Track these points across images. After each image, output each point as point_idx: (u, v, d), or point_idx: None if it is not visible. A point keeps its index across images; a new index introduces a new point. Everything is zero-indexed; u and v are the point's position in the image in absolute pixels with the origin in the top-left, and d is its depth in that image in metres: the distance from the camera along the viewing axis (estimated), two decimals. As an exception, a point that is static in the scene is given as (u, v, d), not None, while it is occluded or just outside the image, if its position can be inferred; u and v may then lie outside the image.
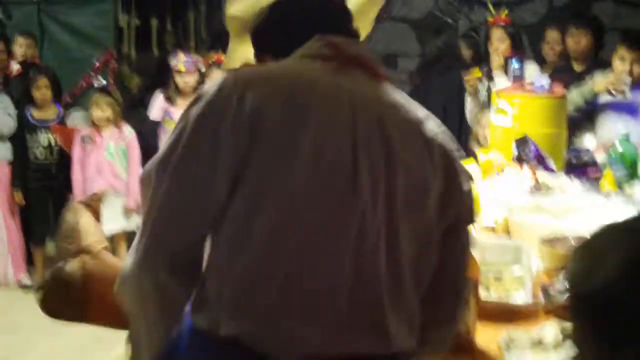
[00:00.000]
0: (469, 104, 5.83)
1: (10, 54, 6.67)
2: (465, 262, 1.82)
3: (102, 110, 6.00)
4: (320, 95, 1.62)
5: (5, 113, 6.04)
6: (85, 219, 2.10)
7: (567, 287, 1.35)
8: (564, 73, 5.29)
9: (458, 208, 1.72)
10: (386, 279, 1.60)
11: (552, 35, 6.13)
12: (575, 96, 4.56)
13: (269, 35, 1.83)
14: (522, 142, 3.65)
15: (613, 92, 4.51)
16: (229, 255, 1.57)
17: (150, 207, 1.61)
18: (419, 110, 1.75)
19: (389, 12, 8.24)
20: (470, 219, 1.79)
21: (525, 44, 5.96)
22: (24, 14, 7.44)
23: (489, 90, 5.64)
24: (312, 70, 1.66)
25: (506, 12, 5.99)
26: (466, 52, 6.72)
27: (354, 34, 1.81)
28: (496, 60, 5.63)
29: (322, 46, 1.70)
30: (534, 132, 3.74)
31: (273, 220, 1.55)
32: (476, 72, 5.70)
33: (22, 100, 6.23)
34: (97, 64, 6.97)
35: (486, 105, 5.61)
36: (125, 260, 1.67)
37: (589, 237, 1.35)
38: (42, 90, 6.12)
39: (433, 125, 1.72)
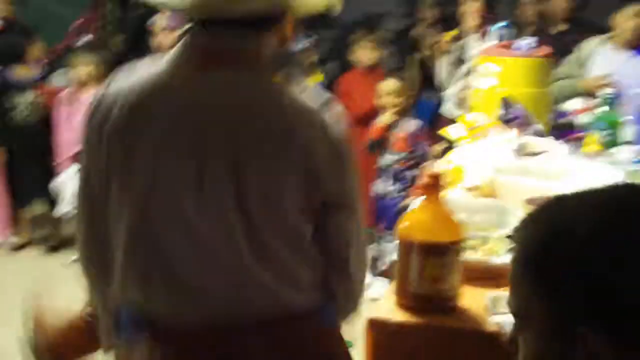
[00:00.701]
0: (443, 65, 5.84)
1: None
2: (345, 242, 1.90)
3: (84, 66, 5.92)
4: (166, 102, 1.76)
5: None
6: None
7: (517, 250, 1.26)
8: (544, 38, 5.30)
9: (325, 195, 1.83)
10: (248, 254, 1.76)
11: None
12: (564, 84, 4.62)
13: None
14: (507, 103, 3.66)
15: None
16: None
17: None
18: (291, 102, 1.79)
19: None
20: (344, 203, 1.87)
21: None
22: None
23: (462, 50, 5.67)
24: (168, 74, 1.78)
25: None
26: (429, 13, 6.72)
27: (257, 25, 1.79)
28: (470, 21, 5.63)
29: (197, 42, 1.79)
30: (519, 93, 3.74)
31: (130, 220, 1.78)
32: (454, 31, 5.71)
33: (3, 59, 6.17)
34: (79, 23, 6.92)
35: (457, 64, 5.65)
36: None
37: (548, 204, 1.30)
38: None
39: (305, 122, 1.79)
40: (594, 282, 1.08)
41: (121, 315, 1.86)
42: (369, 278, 5.31)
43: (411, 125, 5.09)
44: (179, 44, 1.80)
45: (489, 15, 5.65)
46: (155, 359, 1.80)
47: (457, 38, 5.70)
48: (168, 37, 5.59)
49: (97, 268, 1.91)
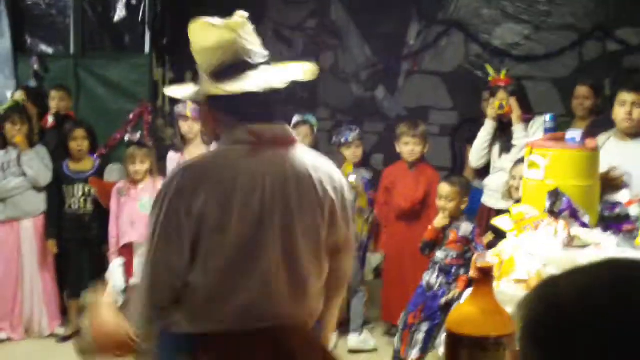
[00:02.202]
0: (483, 130, 5.87)
1: (46, 107, 6.79)
2: (342, 275, 2.71)
3: (139, 163, 6.03)
4: (241, 174, 2.37)
5: (43, 164, 6.13)
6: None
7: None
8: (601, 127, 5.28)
9: (336, 240, 2.56)
10: (286, 282, 2.42)
11: (581, 90, 6.17)
12: None
13: (222, 105, 2.47)
14: (554, 195, 3.65)
15: None
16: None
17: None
18: (320, 166, 2.54)
19: (419, 65, 8.32)
20: (346, 248, 2.65)
21: (529, 100, 5.97)
22: (61, 67, 7.59)
23: (504, 140, 5.71)
24: (234, 154, 2.41)
25: (504, 72, 6.01)
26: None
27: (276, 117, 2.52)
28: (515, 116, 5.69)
29: (244, 133, 2.43)
30: (566, 185, 3.73)
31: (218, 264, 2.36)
32: (501, 99, 5.74)
33: (57, 152, 6.33)
34: (132, 117, 7.08)
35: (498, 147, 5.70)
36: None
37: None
38: (78, 141, 6.21)
39: (328, 180, 2.52)
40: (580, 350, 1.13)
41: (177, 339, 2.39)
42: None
43: (463, 228, 5.11)
44: (233, 136, 2.46)
45: (528, 115, 5.72)
46: None
47: (502, 107, 5.73)
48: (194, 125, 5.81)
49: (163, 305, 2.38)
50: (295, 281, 2.43)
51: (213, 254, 2.35)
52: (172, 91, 2.70)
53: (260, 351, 2.38)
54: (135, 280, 5.84)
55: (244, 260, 2.36)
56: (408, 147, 6.02)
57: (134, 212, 5.99)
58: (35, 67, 7.63)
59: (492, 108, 5.82)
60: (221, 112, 2.47)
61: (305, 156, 2.51)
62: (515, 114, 5.69)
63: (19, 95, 6.74)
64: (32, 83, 7.57)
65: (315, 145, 6.43)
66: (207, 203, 2.31)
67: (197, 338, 2.38)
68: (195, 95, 2.53)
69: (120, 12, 7.93)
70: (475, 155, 5.99)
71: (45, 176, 6.14)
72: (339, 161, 6.12)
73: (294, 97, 8.67)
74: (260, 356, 2.37)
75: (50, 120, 6.79)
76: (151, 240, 2.39)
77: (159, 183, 6.12)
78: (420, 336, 5.05)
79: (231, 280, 2.36)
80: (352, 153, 6.30)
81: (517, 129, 5.66)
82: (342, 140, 6.37)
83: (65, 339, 6.07)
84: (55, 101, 6.95)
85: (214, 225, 2.32)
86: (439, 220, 5.19)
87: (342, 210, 2.53)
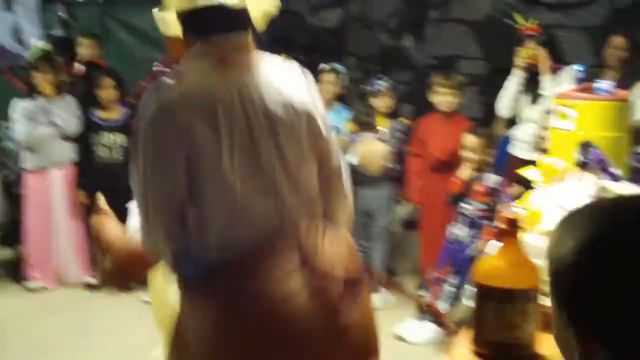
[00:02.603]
0: (511, 79, 5.82)
1: (74, 55, 6.79)
2: (333, 177, 2.59)
3: None
4: (223, 100, 2.30)
5: (72, 114, 6.15)
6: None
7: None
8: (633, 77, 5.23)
9: (318, 149, 2.51)
10: (281, 178, 2.38)
11: (617, 40, 6.05)
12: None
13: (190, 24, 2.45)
14: (584, 146, 3.62)
15: None
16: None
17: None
18: (282, 72, 2.49)
19: (447, 14, 8.22)
20: (334, 147, 2.60)
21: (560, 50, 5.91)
22: (88, 15, 7.59)
23: (533, 90, 5.67)
24: (209, 76, 2.34)
25: (536, 21, 5.92)
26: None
27: (241, 27, 2.45)
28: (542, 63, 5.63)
29: (214, 45, 2.39)
30: (596, 136, 3.70)
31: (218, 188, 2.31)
32: (532, 49, 5.69)
33: (87, 101, 6.35)
34: (159, 65, 7.07)
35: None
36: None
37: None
38: (107, 90, 6.22)
39: (294, 85, 2.49)
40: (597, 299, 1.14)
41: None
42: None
43: (490, 180, 5.09)
44: (197, 49, 2.41)
45: (557, 66, 5.65)
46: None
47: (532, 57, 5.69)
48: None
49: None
50: (294, 185, 2.42)
51: (212, 176, 2.30)
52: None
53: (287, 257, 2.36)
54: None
55: (247, 178, 2.33)
56: (444, 97, 5.96)
57: None
58: (62, 15, 7.63)
59: (520, 57, 5.76)
60: (185, 31, 2.47)
61: (267, 62, 2.49)
62: (544, 64, 5.63)
63: (45, 45, 6.75)
64: (59, 31, 7.57)
65: (341, 94, 6.43)
66: (196, 125, 2.26)
67: (219, 260, 2.34)
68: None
69: (148, -41, 7.90)
70: (504, 105, 5.94)
71: (75, 125, 6.17)
72: (369, 111, 6.09)
73: (320, 45, 8.63)
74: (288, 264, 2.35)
75: (78, 67, 6.80)
76: (144, 171, 2.34)
77: None
78: (449, 288, 5.06)
79: (242, 198, 2.32)
80: (383, 103, 6.26)
81: (546, 79, 5.61)
82: (372, 89, 6.34)
83: (96, 287, 6.16)
84: (85, 48, 6.95)
85: (207, 145, 2.28)
86: (464, 172, 5.17)
87: (324, 117, 2.58)
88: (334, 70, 6.44)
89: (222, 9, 2.41)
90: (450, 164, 5.84)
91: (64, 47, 6.85)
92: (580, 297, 1.17)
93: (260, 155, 2.34)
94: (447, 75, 6.08)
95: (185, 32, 2.47)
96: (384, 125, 6.11)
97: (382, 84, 6.32)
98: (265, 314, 2.29)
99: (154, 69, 6.70)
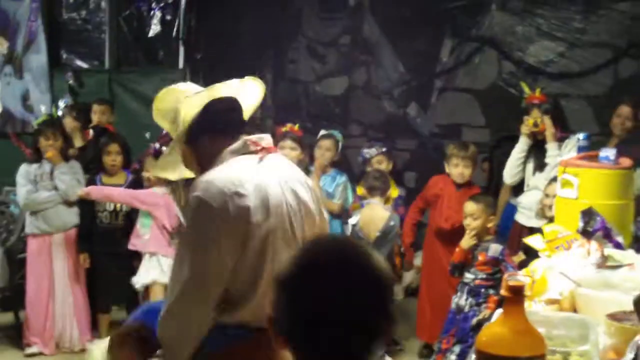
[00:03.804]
0: (517, 148, 5.83)
1: (89, 121, 6.87)
2: None
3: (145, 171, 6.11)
4: (269, 186, 2.61)
5: (74, 179, 6.17)
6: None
7: None
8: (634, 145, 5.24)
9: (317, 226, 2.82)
10: None
11: (624, 110, 6.06)
12: None
13: (203, 130, 2.74)
14: (588, 215, 3.61)
15: None
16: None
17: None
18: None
19: (452, 83, 8.29)
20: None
21: (565, 118, 5.92)
22: (96, 82, 7.67)
23: (539, 158, 5.68)
24: (249, 166, 2.63)
25: (539, 90, 5.96)
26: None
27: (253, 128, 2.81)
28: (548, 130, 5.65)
29: (246, 145, 2.70)
30: (600, 204, 3.70)
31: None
32: (536, 117, 5.70)
33: (93, 165, 6.38)
34: (165, 132, 7.10)
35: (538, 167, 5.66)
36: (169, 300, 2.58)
37: None
38: (112, 155, 6.25)
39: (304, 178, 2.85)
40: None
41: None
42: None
43: (492, 248, 5.05)
44: (235, 148, 2.70)
45: (563, 134, 5.67)
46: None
47: (536, 125, 5.70)
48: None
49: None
50: None
51: (257, 257, 2.57)
52: (162, 172, 3.16)
53: None
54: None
55: (283, 253, 2.58)
56: (458, 169, 5.93)
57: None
58: (71, 81, 7.71)
59: (526, 126, 5.78)
60: (205, 138, 2.74)
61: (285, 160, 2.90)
62: (549, 132, 5.65)
63: (64, 111, 6.83)
64: (67, 98, 7.64)
65: (338, 160, 6.49)
66: (255, 215, 2.55)
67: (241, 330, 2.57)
68: (172, 148, 2.86)
69: (154, 28, 8.01)
70: (509, 172, 5.95)
71: (76, 191, 6.18)
72: (378, 176, 6.09)
73: (326, 113, 8.70)
74: None
75: (91, 133, 6.86)
76: (198, 244, 2.55)
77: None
78: (453, 358, 5.01)
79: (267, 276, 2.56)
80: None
81: (551, 147, 5.62)
82: (360, 159, 6.42)
83: (95, 353, 6.08)
84: (97, 115, 7.02)
85: (258, 231, 2.55)
86: (466, 241, 5.15)
87: (316, 203, 2.83)
88: (331, 136, 6.48)
89: (239, 109, 2.82)
90: (454, 233, 5.82)
91: (80, 113, 6.92)
92: None
93: (295, 235, 2.65)
94: (462, 145, 6.05)
95: (208, 137, 2.73)
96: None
97: (369, 151, 6.36)
98: None
99: (154, 144, 6.77)
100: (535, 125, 5.70)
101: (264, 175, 2.63)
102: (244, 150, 2.69)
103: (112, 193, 6.00)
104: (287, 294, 1.61)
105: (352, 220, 5.59)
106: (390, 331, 1.59)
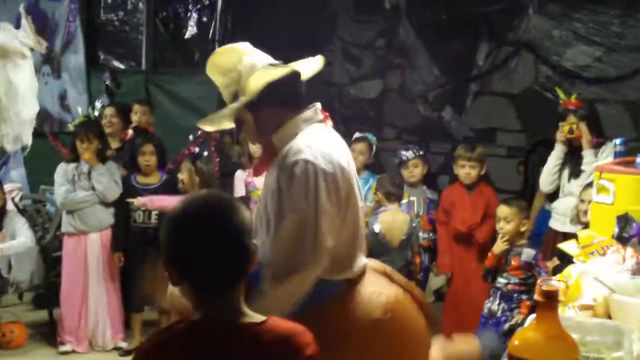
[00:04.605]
0: (553, 155, 5.78)
1: (129, 122, 6.92)
2: None
3: (188, 176, 6.14)
4: (348, 155, 2.96)
5: (111, 180, 6.22)
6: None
7: None
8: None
9: None
10: None
11: None
12: None
13: (270, 101, 2.84)
14: (623, 220, 3.58)
15: None
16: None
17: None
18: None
19: (487, 86, 8.26)
20: None
21: (601, 124, 5.85)
22: (132, 83, 7.72)
23: (574, 164, 5.62)
24: (330, 136, 2.91)
25: (575, 95, 5.90)
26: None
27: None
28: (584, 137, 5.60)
29: (317, 113, 2.95)
30: (636, 210, 3.66)
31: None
32: (572, 124, 5.65)
33: (130, 165, 6.43)
34: (200, 134, 7.15)
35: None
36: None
37: None
38: (146, 156, 6.30)
39: None
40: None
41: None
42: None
43: (525, 253, 5.02)
44: (309, 116, 2.91)
45: (599, 140, 5.61)
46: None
47: (572, 132, 5.65)
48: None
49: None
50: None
51: (349, 219, 2.82)
52: (207, 124, 3.17)
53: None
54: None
55: (357, 221, 2.91)
56: (464, 169, 6.01)
57: None
58: (107, 82, 7.78)
59: (561, 132, 5.74)
60: (268, 108, 2.86)
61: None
62: (585, 138, 5.60)
63: (106, 111, 6.90)
64: (104, 98, 7.71)
65: (372, 163, 6.49)
66: (349, 172, 2.84)
67: (342, 283, 2.83)
68: (235, 111, 2.91)
69: (191, 29, 8.05)
70: (545, 180, 5.91)
71: (113, 192, 6.23)
72: (398, 182, 6.08)
73: (360, 116, 8.70)
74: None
75: (130, 133, 6.91)
76: (317, 214, 2.68)
77: None
78: None
79: (359, 236, 2.92)
80: (409, 173, 6.29)
81: (587, 154, 5.57)
82: (397, 160, 6.39)
83: (127, 352, 6.13)
84: (138, 115, 7.07)
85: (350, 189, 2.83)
86: (498, 246, 5.13)
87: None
88: (365, 140, 6.49)
89: (301, 82, 2.97)
90: (470, 236, 5.84)
91: (122, 113, 6.97)
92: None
93: (357, 199, 2.88)
94: (469, 146, 6.09)
95: (279, 105, 2.86)
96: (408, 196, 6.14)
97: (407, 154, 6.34)
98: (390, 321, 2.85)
99: (190, 142, 6.80)
100: (571, 131, 5.65)
101: (341, 144, 2.93)
102: (315, 119, 2.91)
103: (166, 204, 6.01)
104: (171, 234, 2.01)
105: (375, 228, 5.55)
106: (248, 264, 2.02)
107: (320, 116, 2.94)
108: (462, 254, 5.95)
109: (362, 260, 2.95)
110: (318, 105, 2.96)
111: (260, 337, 1.96)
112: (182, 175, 6.10)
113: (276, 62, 2.94)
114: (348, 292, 2.84)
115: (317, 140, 2.78)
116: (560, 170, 5.82)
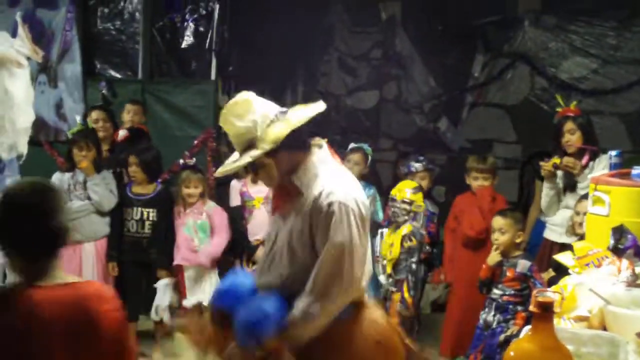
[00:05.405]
0: (545, 188, 5.77)
1: (116, 125, 6.91)
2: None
3: (193, 187, 6.13)
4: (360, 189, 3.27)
5: (107, 189, 6.21)
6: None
7: None
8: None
9: None
10: None
11: None
12: None
13: (289, 146, 3.13)
14: (619, 232, 3.58)
15: None
16: None
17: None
18: None
19: (484, 98, 8.27)
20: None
21: (596, 134, 5.83)
22: (129, 92, 7.71)
23: (569, 177, 5.60)
24: (345, 174, 3.27)
25: (575, 103, 5.90)
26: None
27: None
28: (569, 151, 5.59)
29: (327, 152, 3.26)
30: (631, 222, 3.66)
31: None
32: (555, 159, 5.63)
33: (121, 167, 6.45)
34: (196, 143, 7.15)
35: (561, 192, 5.60)
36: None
37: None
38: (132, 167, 6.28)
39: None
40: None
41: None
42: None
43: (521, 265, 5.02)
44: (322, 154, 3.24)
45: (590, 148, 5.59)
46: None
47: (556, 167, 5.63)
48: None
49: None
50: None
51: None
52: (227, 168, 3.28)
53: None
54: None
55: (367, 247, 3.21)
56: (477, 181, 6.04)
57: (178, 236, 6.14)
58: (104, 91, 7.77)
59: (545, 170, 5.70)
60: (285, 153, 3.14)
61: None
62: (577, 169, 5.56)
63: (96, 114, 6.88)
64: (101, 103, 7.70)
65: (366, 173, 6.50)
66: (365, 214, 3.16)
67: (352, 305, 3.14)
68: (257, 158, 3.13)
69: (187, 39, 8.05)
70: (546, 209, 5.85)
71: (109, 201, 6.22)
72: None
73: (356, 126, 8.71)
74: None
75: (122, 133, 6.90)
76: (352, 248, 3.03)
77: (206, 204, 6.19)
78: None
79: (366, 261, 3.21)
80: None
81: (581, 179, 5.54)
82: (406, 170, 6.38)
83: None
84: (130, 114, 7.06)
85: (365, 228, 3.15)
86: (492, 258, 5.13)
87: None
88: (361, 150, 6.49)
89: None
90: (480, 240, 5.85)
91: (109, 115, 6.97)
92: None
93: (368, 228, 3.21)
94: (481, 158, 6.10)
95: (297, 149, 3.18)
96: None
97: (416, 165, 6.34)
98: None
99: (181, 161, 6.80)
100: (555, 167, 5.63)
101: (355, 181, 3.25)
102: (329, 159, 3.24)
103: (218, 250, 6.20)
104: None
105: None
106: (61, 240, 2.71)
107: (330, 156, 3.26)
108: (470, 260, 5.91)
109: (365, 283, 3.24)
110: (324, 143, 3.28)
111: (67, 296, 2.51)
112: (188, 190, 6.19)
113: (284, 109, 3.23)
114: (355, 315, 3.17)
115: (341, 182, 3.14)
116: (558, 194, 5.79)
